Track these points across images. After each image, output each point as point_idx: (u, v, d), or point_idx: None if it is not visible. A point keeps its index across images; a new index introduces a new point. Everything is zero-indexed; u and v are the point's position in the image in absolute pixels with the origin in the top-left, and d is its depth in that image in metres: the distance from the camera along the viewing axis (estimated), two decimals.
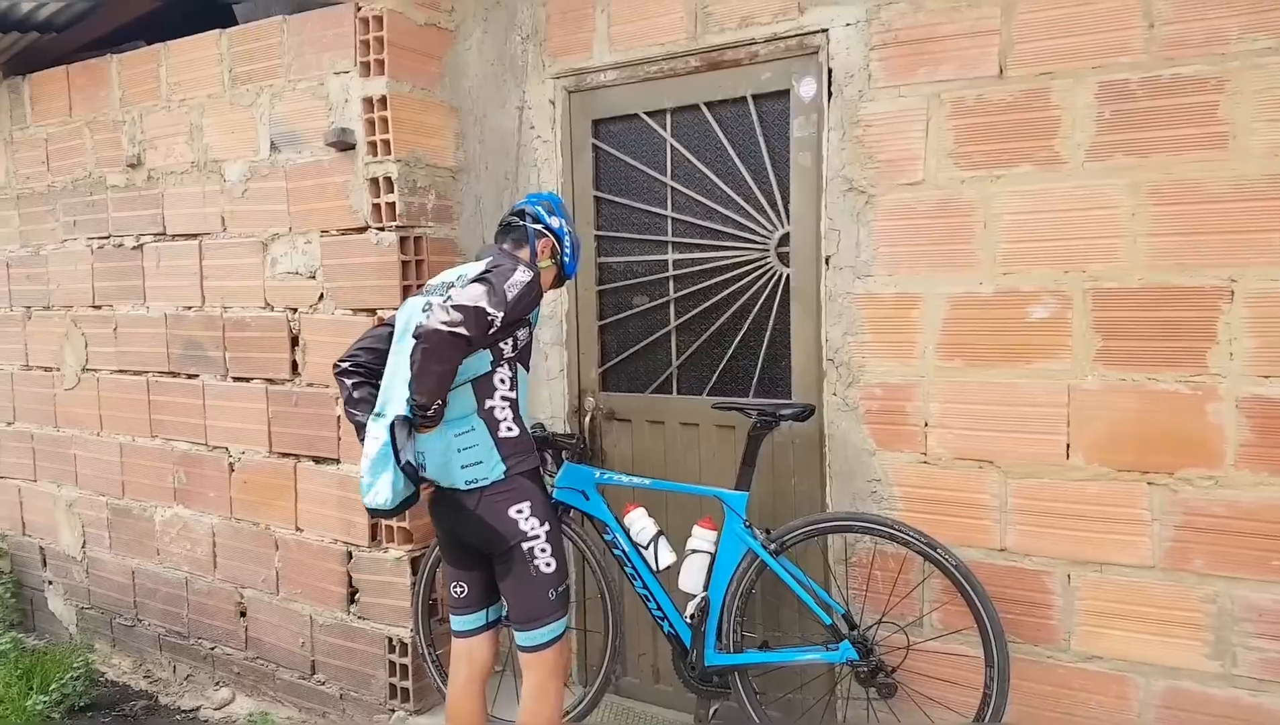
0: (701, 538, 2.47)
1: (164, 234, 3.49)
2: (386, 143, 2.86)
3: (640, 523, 2.50)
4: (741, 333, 2.76)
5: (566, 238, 2.39)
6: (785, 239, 2.66)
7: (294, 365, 3.17)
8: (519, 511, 2.17)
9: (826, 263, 2.54)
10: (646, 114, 2.86)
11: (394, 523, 2.96)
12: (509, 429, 2.20)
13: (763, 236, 2.71)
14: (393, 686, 3.03)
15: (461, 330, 1.96)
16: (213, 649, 3.54)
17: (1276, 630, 2.06)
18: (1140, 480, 2.18)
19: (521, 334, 2.22)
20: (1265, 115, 2.00)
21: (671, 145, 2.84)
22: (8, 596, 4.16)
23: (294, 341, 3.16)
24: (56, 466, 4.02)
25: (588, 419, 3.02)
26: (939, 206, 2.36)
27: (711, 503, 2.50)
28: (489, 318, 2.01)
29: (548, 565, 2.19)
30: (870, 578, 2.53)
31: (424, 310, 2.13)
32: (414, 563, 2.96)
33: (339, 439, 3.07)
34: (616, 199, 2.96)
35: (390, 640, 3.03)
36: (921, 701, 2.45)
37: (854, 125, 2.46)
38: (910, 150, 2.38)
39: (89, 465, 3.87)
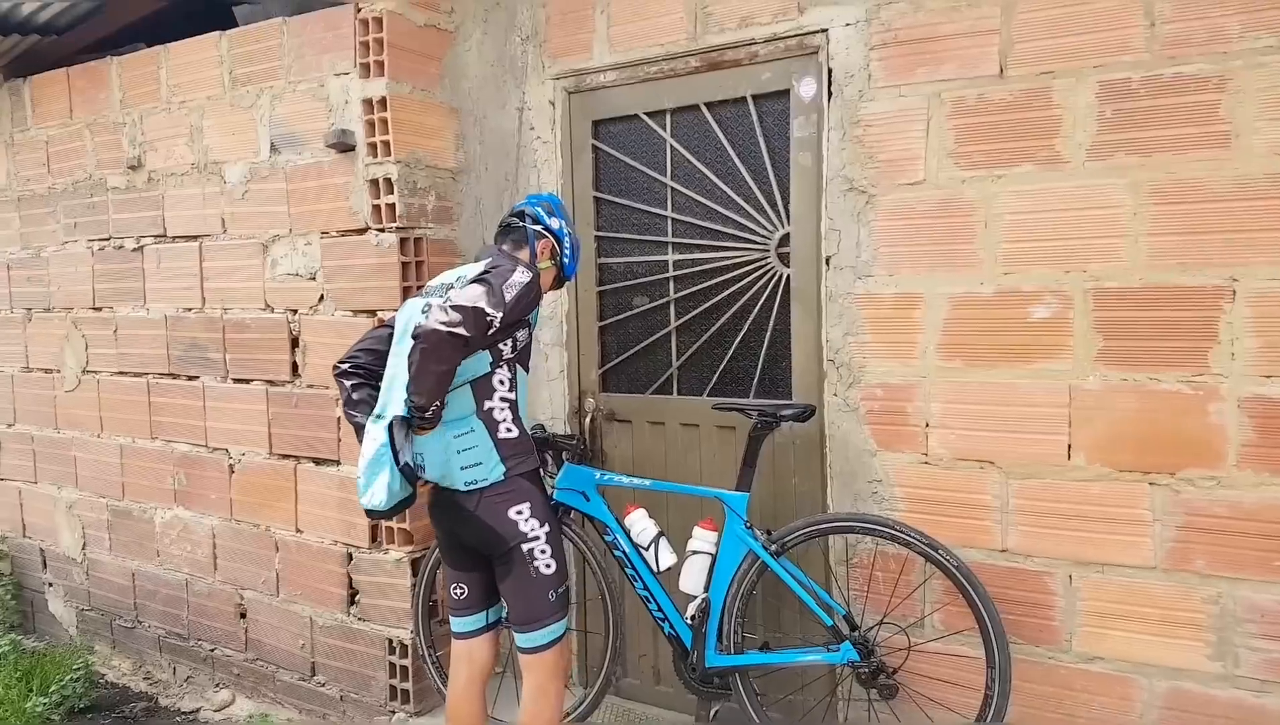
0: (702, 539, 2.47)
1: (164, 236, 3.50)
2: (386, 144, 2.86)
3: (641, 524, 2.49)
4: (742, 333, 2.76)
5: (566, 239, 2.39)
6: (785, 239, 2.66)
7: (294, 367, 3.17)
8: (519, 513, 2.17)
9: (827, 263, 2.54)
10: (646, 114, 2.85)
11: (394, 524, 2.96)
12: (508, 430, 2.20)
13: (763, 237, 2.70)
14: (393, 688, 3.03)
15: (460, 331, 1.95)
16: (213, 651, 3.53)
17: (1279, 631, 2.05)
18: (1142, 480, 2.17)
19: (521, 335, 2.22)
20: (1267, 114, 1.99)
21: (671, 146, 2.83)
22: (8, 598, 4.15)
23: (294, 343, 3.16)
24: (57, 468, 4.01)
25: (588, 420, 3.01)
26: (939, 206, 2.36)
27: (712, 504, 2.49)
28: (488, 318, 2.00)
29: (548, 566, 2.19)
30: (871, 579, 2.52)
31: (423, 311, 2.12)
32: (414, 564, 2.96)
33: (339, 440, 3.07)
34: (616, 200, 2.96)
35: (390, 642, 3.02)
36: (923, 703, 2.44)
37: (854, 125, 2.46)
38: (911, 150, 2.38)
39: (89, 467, 3.87)
